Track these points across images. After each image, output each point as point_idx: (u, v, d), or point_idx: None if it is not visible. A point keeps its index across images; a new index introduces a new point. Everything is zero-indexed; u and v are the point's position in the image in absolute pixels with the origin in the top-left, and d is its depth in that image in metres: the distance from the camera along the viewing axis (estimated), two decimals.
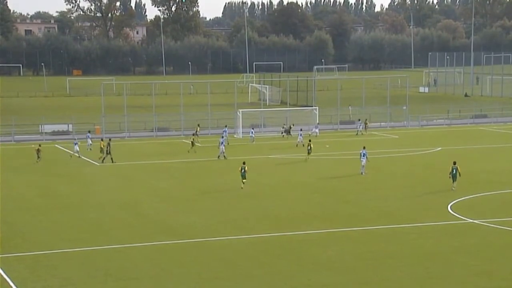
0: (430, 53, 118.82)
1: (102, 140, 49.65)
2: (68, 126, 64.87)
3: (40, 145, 48.69)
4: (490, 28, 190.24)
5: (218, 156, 47.58)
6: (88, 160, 48.60)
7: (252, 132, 57.90)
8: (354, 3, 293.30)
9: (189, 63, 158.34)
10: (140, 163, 47.53)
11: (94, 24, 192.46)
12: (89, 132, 55.98)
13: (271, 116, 67.65)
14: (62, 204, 34.69)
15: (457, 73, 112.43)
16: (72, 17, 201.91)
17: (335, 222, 30.08)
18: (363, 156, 41.28)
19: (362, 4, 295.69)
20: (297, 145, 53.07)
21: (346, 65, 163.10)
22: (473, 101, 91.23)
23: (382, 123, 68.48)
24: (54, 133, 63.40)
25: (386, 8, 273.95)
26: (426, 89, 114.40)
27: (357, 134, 60.19)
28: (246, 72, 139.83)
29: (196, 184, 39.70)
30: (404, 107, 70.78)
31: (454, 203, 33.01)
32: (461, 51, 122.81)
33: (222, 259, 25.01)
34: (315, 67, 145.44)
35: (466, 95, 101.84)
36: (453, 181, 36.34)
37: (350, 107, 73.42)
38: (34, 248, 26.43)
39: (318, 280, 22.70)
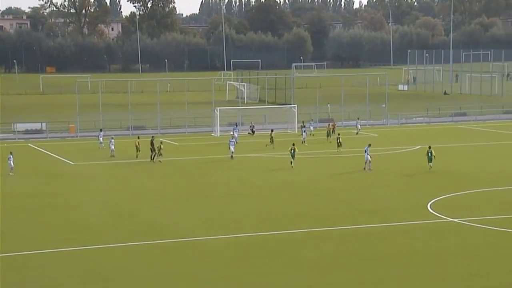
0: (409, 51, 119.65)
1: (138, 138, 49.12)
2: (41, 124, 64.36)
3: None
4: (469, 26, 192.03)
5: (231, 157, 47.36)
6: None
7: (236, 131, 57.57)
8: (333, 0, 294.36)
9: (166, 60, 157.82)
10: (119, 162, 47.33)
11: (67, 20, 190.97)
12: (100, 130, 55.10)
13: (249, 114, 67.67)
14: (47, 204, 34.49)
15: (436, 71, 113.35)
16: (45, 13, 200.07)
17: (319, 221, 30.21)
18: (367, 153, 41.86)
19: (341, 1, 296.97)
20: (302, 142, 53.46)
21: (325, 63, 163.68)
22: (452, 99, 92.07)
23: (361, 121, 68.80)
24: (27, 132, 62.86)
25: (364, 5, 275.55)
26: (405, 87, 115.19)
27: (357, 133, 60.39)
28: (224, 70, 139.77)
29: (180, 184, 39.72)
30: (384, 105, 71.22)
31: (433, 202, 33.32)
32: (440, 48, 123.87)
33: (205, 259, 25.05)
34: (294, 64, 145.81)
35: (445, 93, 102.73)
36: (429, 162, 41.03)
37: (329, 105, 73.72)
38: (16, 249, 26.23)
39: (302, 280, 22.81)
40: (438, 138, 58.56)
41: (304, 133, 55.28)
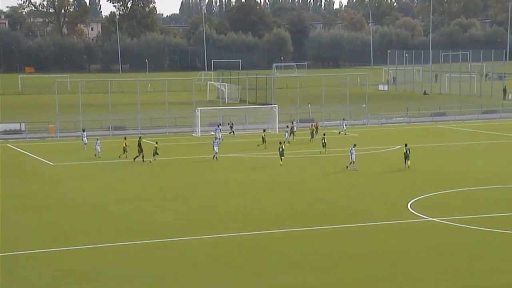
0: (389, 51, 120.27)
1: (125, 139, 48.79)
2: (20, 125, 63.83)
3: None
4: (448, 26, 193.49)
5: (213, 157, 47.20)
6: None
7: (220, 130, 57.42)
8: (313, 0, 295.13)
9: (146, 60, 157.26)
10: (101, 162, 47.10)
11: (46, 20, 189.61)
12: (83, 131, 54.50)
13: (230, 114, 67.64)
14: (25, 205, 34.21)
15: (416, 71, 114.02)
16: (24, 13, 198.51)
17: (302, 221, 30.28)
18: (352, 153, 42.12)
19: (321, 1, 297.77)
20: (284, 142, 53.40)
21: (305, 63, 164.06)
22: (432, 99, 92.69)
23: (344, 121, 69.04)
24: (6, 132, 62.32)
25: (345, 6, 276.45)
26: (386, 87, 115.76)
27: (339, 133, 60.36)
28: (205, 70, 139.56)
29: (164, 184, 39.65)
30: (364, 105, 71.52)
31: (413, 202, 33.53)
32: (419, 49, 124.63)
33: (189, 259, 25.03)
34: (274, 64, 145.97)
35: (425, 93, 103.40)
36: (406, 160, 41.76)
37: (309, 105, 73.88)
38: None
39: (286, 280, 22.86)
40: (418, 138, 58.92)
41: (286, 133, 55.29)
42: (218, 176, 41.80)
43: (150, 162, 46.10)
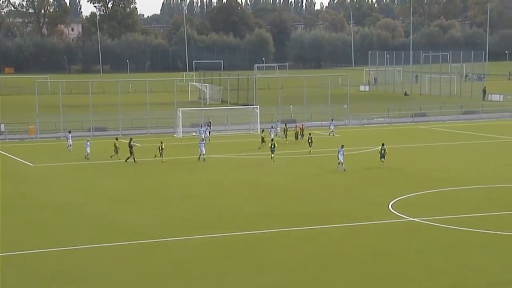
0: (370, 52, 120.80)
1: (116, 139, 48.36)
2: (0, 126, 63.27)
3: None
4: (428, 27, 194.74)
5: (199, 158, 47.01)
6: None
7: (207, 130, 57.29)
8: (294, 1, 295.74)
9: (127, 61, 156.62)
10: (81, 164, 46.81)
11: (26, 20, 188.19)
12: (69, 132, 54.04)
13: (211, 115, 67.53)
14: (6, 206, 33.84)
15: (396, 72, 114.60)
16: (3, 13, 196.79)
17: (284, 221, 30.29)
18: (340, 153, 42.20)
19: (302, 2, 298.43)
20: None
21: (287, 64, 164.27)
22: (412, 99, 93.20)
23: (323, 122, 69.19)
24: None
25: (326, 6, 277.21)
26: (367, 88, 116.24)
27: (329, 134, 60.19)
28: (186, 71, 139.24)
29: (145, 184, 39.50)
30: (345, 106, 71.74)
31: (395, 202, 33.67)
32: (400, 50, 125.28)
33: (172, 260, 24.97)
34: (256, 65, 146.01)
35: (405, 94, 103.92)
36: (382, 158, 43.06)
37: (291, 106, 73.97)
38: None
39: (268, 281, 22.85)
40: (399, 138, 59.22)
41: (271, 134, 55.12)
42: (202, 177, 41.72)
43: (162, 161, 46.25)
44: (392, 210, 32.09)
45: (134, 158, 46.41)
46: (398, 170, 42.90)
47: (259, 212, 32.19)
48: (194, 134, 60.51)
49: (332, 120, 62.74)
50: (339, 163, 42.37)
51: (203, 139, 49.30)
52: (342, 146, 43.15)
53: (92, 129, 63.18)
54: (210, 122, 61.54)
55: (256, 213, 32.11)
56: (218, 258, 25.30)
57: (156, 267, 24.21)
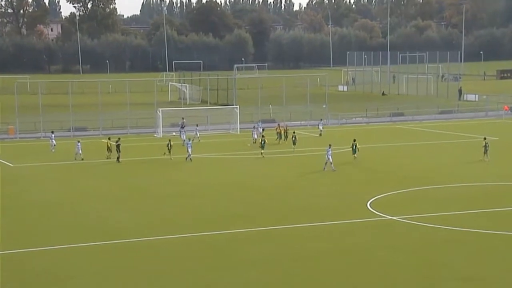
0: (348, 52, 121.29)
1: (109, 139, 47.92)
2: None
3: None
4: (405, 28, 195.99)
5: (186, 159, 46.74)
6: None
7: (196, 130, 57.12)
8: (273, 2, 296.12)
9: (107, 61, 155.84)
10: (61, 164, 46.51)
11: (5, 20, 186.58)
12: (52, 132, 53.40)
13: (191, 115, 67.43)
14: None
15: (374, 72, 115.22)
16: None
17: (261, 220, 30.33)
18: (329, 153, 42.31)
19: (281, 2, 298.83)
20: (254, 142, 54.29)
21: (266, 64, 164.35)
22: (390, 99, 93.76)
23: (302, 122, 69.41)
24: None
25: (304, 7, 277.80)
26: (345, 88, 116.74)
27: (319, 135, 60.09)
28: (166, 71, 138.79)
29: (126, 184, 39.35)
30: (324, 106, 71.99)
31: (373, 200, 33.87)
32: (378, 50, 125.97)
33: (151, 260, 24.91)
34: (235, 65, 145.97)
35: (383, 94, 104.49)
36: (354, 154, 45.02)
37: (270, 105, 74.08)
38: None
39: (244, 278, 22.88)
40: (377, 137, 59.56)
41: (254, 134, 54.94)
42: (182, 176, 41.75)
43: (171, 159, 46.27)
44: (371, 209, 32.27)
45: (119, 158, 46.16)
46: (376, 170, 43.16)
47: (236, 212, 32.25)
48: (174, 134, 60.36)
49: (320, 120, 62.40)
50: (326, 163, 42.38)
51: (190, 139, 48.31)
52: (330, 146, 43.20)
53: (72, 129, 62.79)
54: (183, 122, 61.04)
55: (236, 212, 32.15)
56: (194, 257, 25.30)
57: (142, 266, 24.19)
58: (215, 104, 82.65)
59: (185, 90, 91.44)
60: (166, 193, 36.78)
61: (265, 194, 36.30)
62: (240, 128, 63.34)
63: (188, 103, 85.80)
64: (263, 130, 57.60)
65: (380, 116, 76.20)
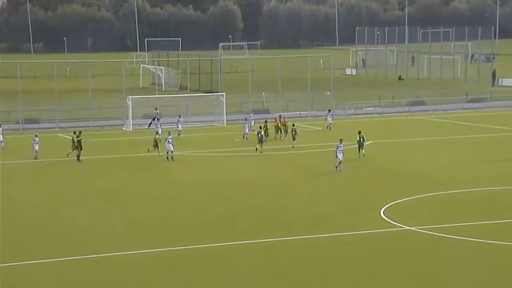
0: (357, 28, 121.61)
1: (74, 133, 47.79)
2: None
3: None
4: None
5: (167, 157, 46.90)
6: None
7: (179, 122, 57.30)
8: None
9: (64, 38, 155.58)
10: (16, 163, 46.71)
11: None
12: None
13: (168, 104, 67.61)
14: None
15: (389, 52, 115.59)
16: None
17: (255, 231, 30.50)
18: (340, 150, 42.41)
19: None
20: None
21: (258, 42, 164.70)
22: (408, 85, 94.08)
23: (302, 112, 69.70)
24: None
25: None
26: (354, 71, 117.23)
27: (327, 127, 60.05)
28: (137, 51, 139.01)
29: (91, 186, 39.67)
30: (328, 93, 72.24)
31: (387, 207, 34.12)
32: (393, 25, 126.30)
33: (125, 275, 25.16)
34: (221, 44, 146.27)
35: (400, 78, 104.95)
36: (360, 150, 45.43)
37: (263, 93, 74.34)
38: None
39: None
40: (392, 131, 59.88)
41: (245, 127, 55.01)
42: (162, 176, 42.06)
43: (159, 155, 46.62)
44: (384, 217, 32.51)
45: (79, 156, 46.48)
46: (390, 170, 43.45)
47: (227, 219, 32.44)
48: (147, 127, 60.55)
49: (329, 110, 62.30)
50: (340, 162, 42.37)
51: (170, 134, 47.81)
52: (341, 141, 43.17)
53: (22, 121, 62.85)
54: (157, 113, 60.97)
55: (224, 219, 32.34)
56: (174, 275, 25.55)
57: (102, 285, 24.40)
58: (197, 91, 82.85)
59: (160, 74, 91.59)
60: (141, 196, 36.95)
61: (260, 200, 36.41)
62: (226, 120, 63.59)
63: (163, 89, 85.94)
64: (254, 123, 57.90)
65: (396, 105, 76.56)
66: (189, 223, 32.36)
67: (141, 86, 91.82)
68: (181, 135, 55.92)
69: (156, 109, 61.56)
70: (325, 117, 61.84)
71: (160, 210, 34.69)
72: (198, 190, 39.01)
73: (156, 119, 58.14)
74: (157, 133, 49.03)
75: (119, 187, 39.76)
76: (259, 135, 48.89)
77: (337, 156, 42.55)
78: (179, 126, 56.95)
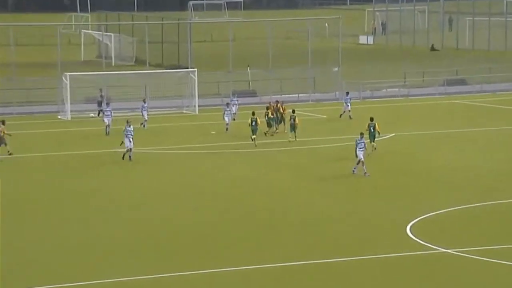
0: None
1: (3, 123, 48.04)
2: None
3: None
4: None
5: (123, 156, 46.95)
6: None
7: (144, 109, 57.14)
8: None
9: None
10: None
11: None
12: None
13: (120, 84, 67.48)
14: None
15: (418, 13, 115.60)
16: None
17: (248, 253, 30.71)
18: (360, 147, 42.62)
19: None
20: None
21: (241, 0, 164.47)
22: (444, 57, 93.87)
23: (301, 95, 69.63)
24: None
25: None
26: (371, 39, 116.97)
27: (340, 116, 59.98)
28: (77, 11, 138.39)
29: (24, 197, 39.77)
30: (336, 69, 72.09)
31: (415, 222, 34.18)
32: None
33: None
34: (191, 2, 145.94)
35: (433, 48, 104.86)
36: (371, 141, 46.38)
37: (249, 69, 74.05)
38: None
39: None
40: (422, 120, 59.86)
41: (226, 116, 54.66)
42: (120, 179, 42.54)
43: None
44: (412, 236, 32.64)
45: (9, 151, 46.77)
46: (419, 172, 43.56)
47: (210, 241, 32.54)
48: (92, 115, 60.49)
49: (347, 94, 62.03)
50: (358, 162, 42.63)
51: (129, 124, 47.22)
52: (362, 136, 43.41)
53: None
54: (102, 97, 60.81)
55: (206, 241, 32.45)
56: None
57: None
58: (159, 66, 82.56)
59: (109, 43, 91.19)
60: (86, 210, 37.01)
61: (251, 214, 36.53)
62: (199, 106, 63.46)
63: (114, 64, 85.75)
64: (238, 110, 58.09)
65: (427, 85, 76.52)
66: (141, 248, 32.45)
67: (82, 59, 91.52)
68: (146, 127, 55.71)
69: (101, 91, 61.47)
70: (344, 102, 61.27)
71: (110, 229, 34.78)
72: (168, 202, 39.09)
73: (103, 104, 58.14)
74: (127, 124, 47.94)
75: (57, 198, 39.75)
76: (253, 123, 49.89)
77: (357, 155, 42.61)
78: (145, 114, 56.78)
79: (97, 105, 60.33)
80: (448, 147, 50.96)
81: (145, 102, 57.98)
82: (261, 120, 51.28)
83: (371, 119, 47.12)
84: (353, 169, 42.81)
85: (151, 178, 43.66)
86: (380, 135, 47.17)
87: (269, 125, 53.49)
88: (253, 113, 51.06)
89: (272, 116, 53.47)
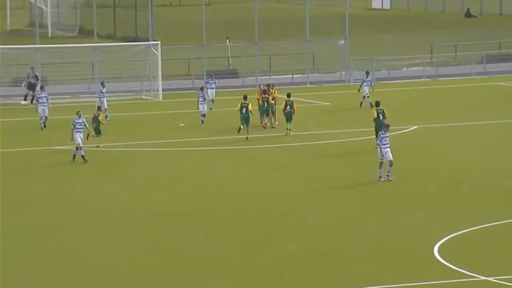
0: None
1: None
2: None
3: None
4: None
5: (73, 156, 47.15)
6: None
7: (102, 95, 57.26)
8: None
9: None
10: None
11: None
12: None
13: (58, 61, 67.70)
14: None
15: None
16: None
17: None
18: (384, 144, 42.92)
19: None
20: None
21: None
22: (482, 26, 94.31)
23: (296, 76, 69.94)
24: None
25: None
26: (387, 3, 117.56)
27: (360, 104, 59.92)
28: None
29: None
30: (342, 42, 72.39)
31: (443, 243, 34.46)
32: None
33: None
34: None
35: (468, 15, 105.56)
36: (381, 129, 45.54)
37: (228, 42, 74.32)
38: None
39: None
40: (454, 108, 60.35)
41: (201, 104, 54.67)
42: (66, 192, 42.76)
43: (99, 147, 47.94)
44: (440, 259, 33.01)
45: None
46: (448, 176, 43.99)
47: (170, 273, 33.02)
48: (23, 103, 60.84)
49: (367, 74, 62.49)
50: (381, 163, 43.05)
51: (80, 115, 47.46)
52: (388, 128, 43.55)
53: None
54: (34, 77, 61.07)
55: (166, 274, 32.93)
56: None
57: None
58: (111, 38, 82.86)
59: (44, 8, 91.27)
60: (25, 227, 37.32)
61: (239, 232, 36.77)
62: (163, 90, 63.71)
63: (51, 35, 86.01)
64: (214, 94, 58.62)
65: (461, 62, 77.01)
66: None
67: (9, 28, 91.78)
68: (108, 117, 55.58)
69: (32, 68, 61.70)
70: (360, 84, 61.90)
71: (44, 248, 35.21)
72: (110, 220, 39.45)
73: (37, 88, 58.41)
74: (95, 116, 48.20)
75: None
76: (243, 111, 50.95)
77: (382, 156, 42.80)
78: (104, 101, 56.62)
79: (28, 89, 60.52)
80: (485, 144, 51.49)
81: (103, 86, 57.85)
82: (253, 108, 51.78)
83: (378, 104, 48.28)
84: (379, 176, 42.81)
85: (103, 187, 44.00)
86: (386, 118, 47.51)
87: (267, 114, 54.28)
88: (245, 97, 51.81)
89: (260, 104, 53.93)
